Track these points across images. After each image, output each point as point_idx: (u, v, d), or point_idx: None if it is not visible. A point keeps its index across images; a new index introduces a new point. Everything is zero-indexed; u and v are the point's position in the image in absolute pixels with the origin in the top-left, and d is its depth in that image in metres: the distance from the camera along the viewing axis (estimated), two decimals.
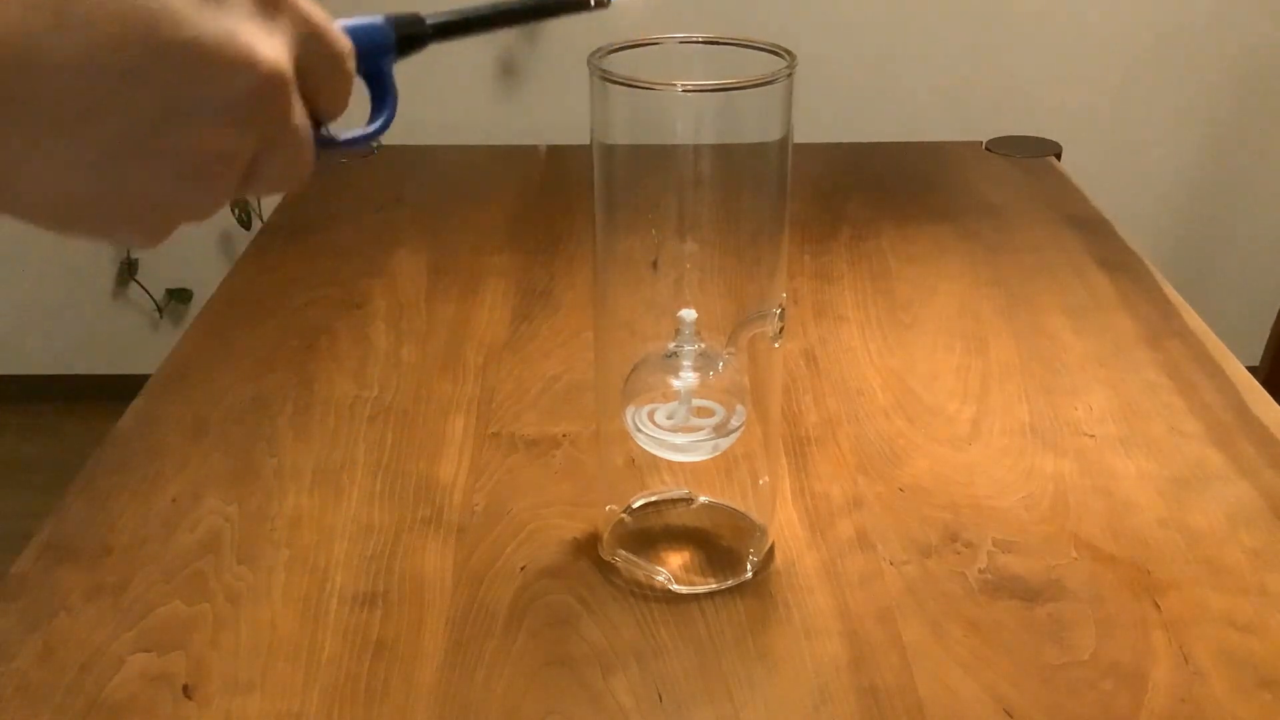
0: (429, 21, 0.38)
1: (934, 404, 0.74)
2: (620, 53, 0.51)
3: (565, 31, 1.76)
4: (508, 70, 1.80)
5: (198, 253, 1.93)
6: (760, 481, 0.61)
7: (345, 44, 0.33)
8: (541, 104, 1.82)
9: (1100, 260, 0.94)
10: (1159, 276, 0.91)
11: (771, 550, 0.61)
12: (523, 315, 0.86)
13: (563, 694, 0.52)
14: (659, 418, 0.56)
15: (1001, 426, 0.72)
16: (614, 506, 0.62)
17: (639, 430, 0.56)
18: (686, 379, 0.55)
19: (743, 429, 0.56)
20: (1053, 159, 1.17)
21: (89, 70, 0.26)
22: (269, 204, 1.81)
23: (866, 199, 1.08)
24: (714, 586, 0.58)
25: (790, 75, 0.50)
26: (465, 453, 0.70)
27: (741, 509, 0.62)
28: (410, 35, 0.37)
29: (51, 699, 0.52)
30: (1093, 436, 0.71)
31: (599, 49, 0.51)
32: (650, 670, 0.53)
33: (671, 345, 0.55)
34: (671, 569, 0.59)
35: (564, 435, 0.71)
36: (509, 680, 0.53)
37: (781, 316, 0.56)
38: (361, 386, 0.77)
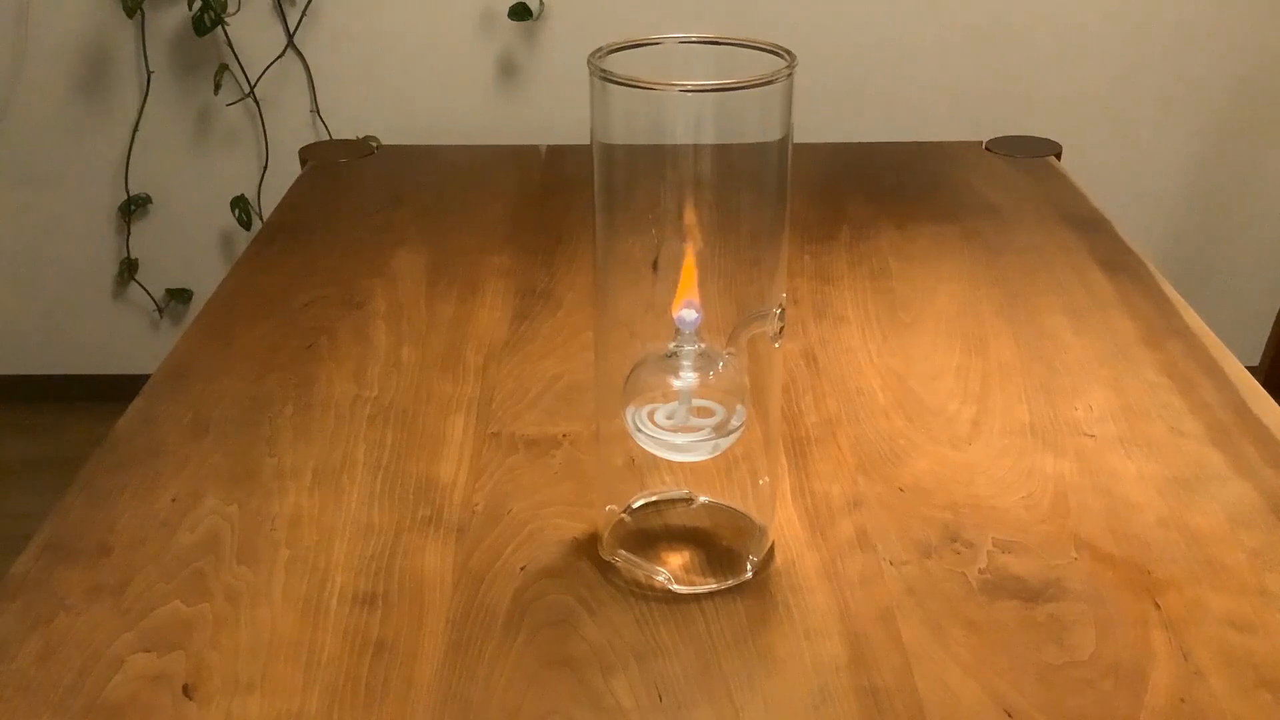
0: None
1: (934, 404, 0.74)
2: (620, 53, 0.51)
3: (565, 31, 1.77)
4: (508, 70, 1.80)
5: (198, 253, 1.93)
6: (760, 481, 0.61)
7: None
8: (541, 104, 1.82)
9: (1100, 260, 0.94)
10: (1159, 276, 0.91)
11: (771, 550, 0.61)
12: (523, 315, 0.86)
13: (563, 694, 0.52)
14: (659, 418, 0.56)
15: (1001, 426, 0.72)
16: (614, 506, 0.62)
17: (639, 430, 0.56)
18: (686, 379, 0.55)
19: (743, 429, 0.56)
20: (1053, 159, 1.17)
21: None
22: (269, 204, 1.81)
23: (866, 199, 1.08)
24: (714, 586, 0.58)
25: (790, 75, 0.50)
26: (465, 453, 0.70)
27: (741, 509, 0.62)
28: None
29: (51, 699, 0.52)
30: (1093, 436, 0.71)
31: (599, 49, 0.51)
32: (650, 670, 0.53)
33: (671, 345, 0.55)
34: (671, 569, 0.59)
35: (564, 435, 0.71)
36: (509, 680, 0.53)
37: (781, 316, 0.56)
38: (361, 386, 0.77)
